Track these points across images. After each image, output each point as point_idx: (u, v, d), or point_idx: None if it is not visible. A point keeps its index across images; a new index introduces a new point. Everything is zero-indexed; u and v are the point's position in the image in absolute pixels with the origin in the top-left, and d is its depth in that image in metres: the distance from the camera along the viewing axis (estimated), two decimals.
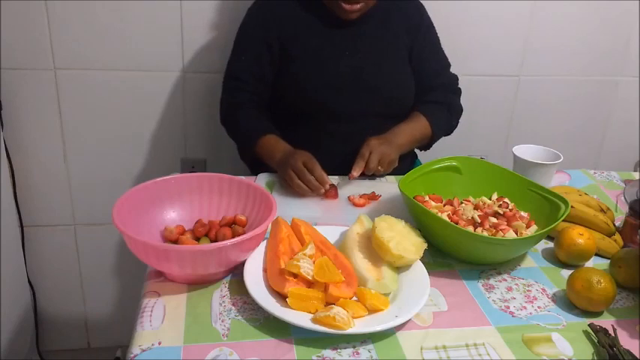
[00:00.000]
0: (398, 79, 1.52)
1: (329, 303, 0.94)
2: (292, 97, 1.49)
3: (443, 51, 1.61)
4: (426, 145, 1.58)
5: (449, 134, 1.62)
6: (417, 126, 1.50)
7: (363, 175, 1.36)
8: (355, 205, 1.29)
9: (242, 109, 1.49)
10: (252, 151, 1.44)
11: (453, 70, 1.63)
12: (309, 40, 1.47)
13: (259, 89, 1.50)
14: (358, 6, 1.40)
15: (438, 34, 1.61)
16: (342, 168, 1.38)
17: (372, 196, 1.32)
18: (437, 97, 1.55)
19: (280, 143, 1.41)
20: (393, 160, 1.38)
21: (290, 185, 1.30)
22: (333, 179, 1.37)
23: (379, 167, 1.34)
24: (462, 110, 1.62)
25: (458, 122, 1.62)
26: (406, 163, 1.61)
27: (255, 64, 1.49)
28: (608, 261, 1.13)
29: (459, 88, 1.63)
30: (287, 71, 1.48)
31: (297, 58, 1.47)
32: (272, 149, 1.40)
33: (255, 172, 1.48)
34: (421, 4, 1.59)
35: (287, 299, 0.93)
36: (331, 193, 1.30)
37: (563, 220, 1.11)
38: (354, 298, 0.98)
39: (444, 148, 1.63)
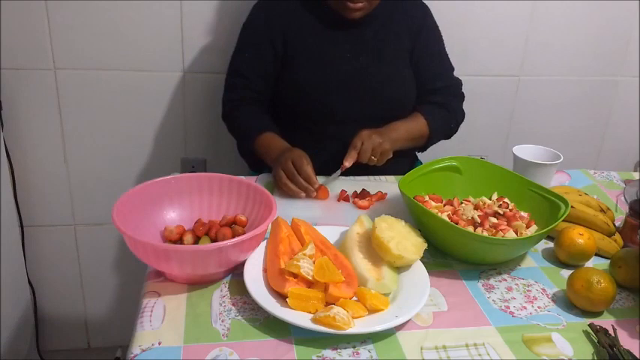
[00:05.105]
0: (399, 81, 1.52)
1: (329, 303, 0.94)
2: (293, 97, 1.49)
3: (447, 55, 1.60)
4: (423, 146, 1.56)
5: (448, 138, 1.61)
6: (414, 124, 1.50)
7: (362, 173, 1.35)
8: (359, 207, 1.28)
9: (243, 106, 1.49)
10: (250, 147, 1.44)
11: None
12: (311, 40, 1.47)
13: (261, 86, 1.50)
14: (361, 4, 1.40)
15: None
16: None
17: (380, 196, 1.31)
18: (437, 99, 1.54)
19: (277, 140, 1.40)
20: (386, 150, 1.36)
21: (279, 186, 1.29)
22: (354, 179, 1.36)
23: (372, 157, 1.33)
24: (463, 115, 1.60)
25: (458, 127, 1.60)
26: (406, 163, 1.61)
27: (258, 61, 1.49)
28: (608, 261, 1.13)
29: (462, 93, 1.61)
30: (288, 71, 1.48)
31: (298, 58, 1.47)
32: (269, 147, 1.40)
33: (254, 168, 1.47)
34: (426, 6, 1.58)
35: (287, 299, 0.93)
36: (321, 193, 1.29)
37: (563, 220, 1.11)
38: (354, 298, 0.98)
39: (444, 148, 1.63)
